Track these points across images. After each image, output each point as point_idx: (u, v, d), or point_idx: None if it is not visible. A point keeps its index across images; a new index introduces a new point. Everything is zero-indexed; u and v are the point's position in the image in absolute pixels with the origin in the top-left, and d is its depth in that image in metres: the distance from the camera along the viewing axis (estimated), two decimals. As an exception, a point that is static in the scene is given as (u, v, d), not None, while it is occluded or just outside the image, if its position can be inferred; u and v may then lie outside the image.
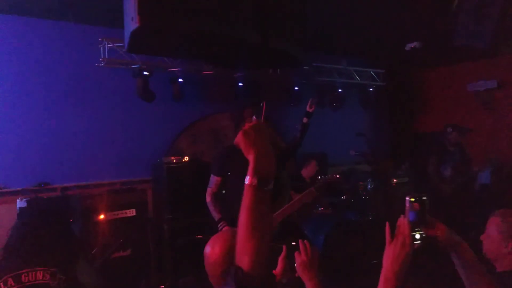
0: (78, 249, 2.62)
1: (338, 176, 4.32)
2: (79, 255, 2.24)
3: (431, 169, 5.59)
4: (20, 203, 3.88)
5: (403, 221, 1.40)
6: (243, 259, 1.09)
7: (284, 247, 1.69)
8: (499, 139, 6.69)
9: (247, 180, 1.12)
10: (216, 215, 3.34)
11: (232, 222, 3.27)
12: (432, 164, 5.59)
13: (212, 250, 1.60)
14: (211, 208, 3.39)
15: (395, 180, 5.83)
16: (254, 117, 3.05)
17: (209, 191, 3.46)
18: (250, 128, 1.18)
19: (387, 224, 1.43)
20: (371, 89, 7.01)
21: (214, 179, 3.45)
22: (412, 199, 1.47)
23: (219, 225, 3.27)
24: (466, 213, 5.16)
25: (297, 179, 5.01)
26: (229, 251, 1.33)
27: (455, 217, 5.11)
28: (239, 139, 1.18)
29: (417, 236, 1.44)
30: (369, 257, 4.77)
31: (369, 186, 5.59)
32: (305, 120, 4.02)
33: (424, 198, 1.48)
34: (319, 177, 4.30)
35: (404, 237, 1.36)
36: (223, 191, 3.50)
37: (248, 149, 1.16)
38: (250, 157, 1.15)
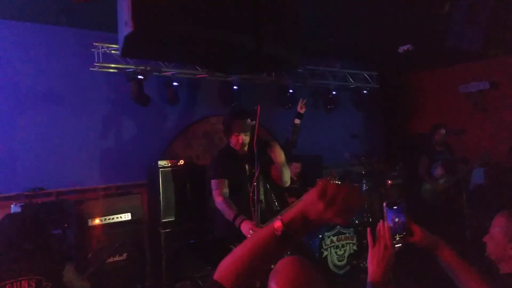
0: (64, 255, 2.60)
1: (335, 174, 4.36)
2: (65, 261, 2.22)
3: (421, 169, 5.71)
4: (15, 208, 3.86)
5: (382, 226, 1.46)
6: (226, 276, 0.99)
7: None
8: (491, 140, 6.75)
9: (275, 223, 0.98)
10: (231, 213, 3.15)
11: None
12: (422, 164, 5.72)
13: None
14: (223, 207, 3.18)
15: (389, 181, 5.86)
16: (248, 120, 3.07)
17: (217, 192, 3.27)
18: (337, 196, 0.96)
19: (368, 230, 1.47)
20: (364, 91, 7.05)
21: (218, 181, 3.29)
22: (389, 204, 1.53)
23: (236, 221, 3.10)
24: (460, 213, 5.20)
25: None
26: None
27: (449, 217, 5.16)
28: (319, 188, 0.97)
29: (397, 238, 1.50)
30: (365, 258, 4.80)
31: (363, 188, 5.61)
32: (296, 121, 4.05)
33: (400, 202, 1.54)
34: (318, 179, 4.30)
35: (385, 240, 1.43)
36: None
37: (307, 202, 0.98)
38: (298, 208, 0.99)
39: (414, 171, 5.91)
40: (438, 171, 5.65)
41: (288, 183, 3.37)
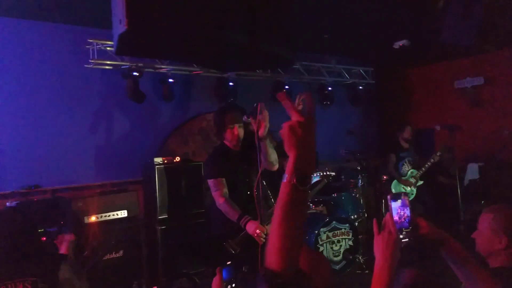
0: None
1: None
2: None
3: (390, 167, 5.79)
4: (10, 205, 3.85)
5: (388, 216, 1.46)
6: (274, 260, 1.04)
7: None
8: (486, 135, 6.79)
9: (284, 178, 1.06)
10: (235, 214, 3.12)
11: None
12: (390, 162, 5.78)
13: None
14: (227, 208, 3.13)
15: (385, 177, 5.89)
16: (244, 117, 3.05)
17: (218, 193, 3.21)
18: (298, 124, 1.08)
19: (374, 220, 1.48)
20: (360, 87, 7.07)
21: (217, 181, 3.23)
22: (393, 196, 1.55)
23: (241, 221, 3.07)
24: (454, 208, 5.24)
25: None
26: None
27: (443, 212, 5.20)
28: (283, 133, 1.09)
29: (404, 233, 1.49)
30: (361, 253, 4.83)
31: (359, 183, 5.64)
32: None
33: (403, 196, 1.56)
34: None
35: (389, 226, 1.42)
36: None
37: (290, 145, 1.07)
38: (292, 154, 1.07)
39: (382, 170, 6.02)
40: (406, 168, 5.78)
41: (275, 165, 3.29)
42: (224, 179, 3.22)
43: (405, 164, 5.78)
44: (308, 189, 1.07)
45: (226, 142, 3.35)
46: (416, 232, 1.52)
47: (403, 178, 5.72)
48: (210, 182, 3.25)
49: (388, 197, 1.55)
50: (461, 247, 1.53)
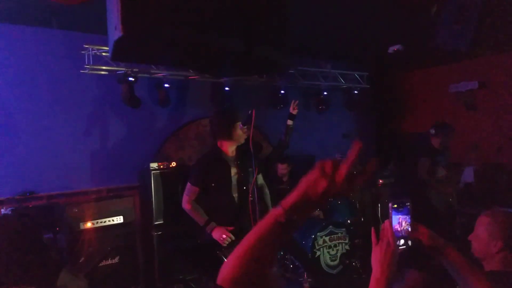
0: (58, 261, 2.54)
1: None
2: (59, 268, 2.16)
3: (424, 172, 5.09)
4: (5, 212, 3.82)
5: (387, 224, 1.45)
6: (231, 278, 0.95)
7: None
8: (481, 139, 6.82)
9: (278, 207, 0.97)
10: (201, 220, 3.28)
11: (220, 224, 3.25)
12: (424, 166, 5.11)
13: None
14: (193, 214, 3.32)
15: (381, 181, 5.90)
16: (240, 125, 3.05)
17: (186, 198, 3.34)
18: (331, 174, 0.96)
19: (372, 228, 1.47)
20: (355, 92, 7.10)
21: (192, 188, 3.35)
22: (395, 205, 1.51)
23: (207, 228, 3.23)
24: (450, 211, 5.24)
25: (277, 182, 5.06)
26: None
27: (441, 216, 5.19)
28: (317, 171, 0.97)
29: (401, 241, 1.48)
30: (358, 257, 4.83)
31: (355, 188, 5.65)
32: (289, 122, 4.06)
33: (407, 204, 1.52)
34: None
35: (388, 237, 1.41)
36: (205, 202, 3.42)
37: (304, 186, 0.97)
38: (297, 193, 0.97)
39: (407, 171, 5.78)
40: (442, 172, 5.15)
41: None
42: (198, 189, 3.33)
43: (440, 168, 5.14)
44: (289, 233, 1.00)
45: (225, 145, 3.34)
46: (415, 237, 1.52)
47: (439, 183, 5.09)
48: (188, 185, 3.38)
49: (390, 204, 1.50)
50: (460, 255, 1.54)
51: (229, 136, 3.31)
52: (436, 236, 1.54)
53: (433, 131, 5.18)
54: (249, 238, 0.98)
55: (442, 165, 5.16)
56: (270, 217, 0.97)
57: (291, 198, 0.97)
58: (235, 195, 3.33)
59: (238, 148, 3.38)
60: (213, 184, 3.31)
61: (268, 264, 1.00)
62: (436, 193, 5.13)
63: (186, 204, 3.35)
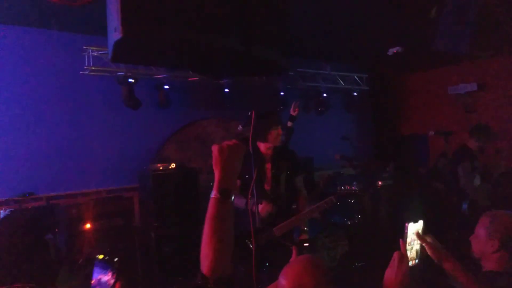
0: (58, 261, 2.55)
1: (354, 188, 4.40)
2: (58, 267, 2.17)
3: (464, 180, 4.32)
4: (4, 214, 3.82)
5: (402, 251, 1.55)
6: (204, 264, 1.17)
7: (294, 248, 1.69)
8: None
9: (212, 194, 1.22)
10: (242, 201, 3.21)
11: None
12: (464, 173, 4.33)
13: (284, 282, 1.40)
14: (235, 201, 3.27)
15: (380, 183, 5.89)
16: (240, 127, 3.06)
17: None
18: (226, 147, 1.25)
19: (396, 253, 1.54)
20: (355, 93, 7.11)
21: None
22: (412, 226, 1.62)
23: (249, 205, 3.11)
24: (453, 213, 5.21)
25: None
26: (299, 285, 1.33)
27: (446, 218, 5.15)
28: (214, 152, 1.25)
29: (413, 253, 1.59)
30: (357, 259, 4.83)
31: (354, 189, 5.65)
32: (289, 124, 4.06)
33: (421, 222, 1.64)
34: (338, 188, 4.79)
35: (400, 257, 1.50)
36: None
37: (216, 165, 1.24)
38: (216, 172, 1.23)
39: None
40: (478, 180, 4.44)
41: None
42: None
43: (476, 176, 4.40)
44: (230, 203, 1.22)
45: (270, 142, 3.29)
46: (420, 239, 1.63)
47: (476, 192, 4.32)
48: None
49: (406, 224, 1.60)
50: (461, 267, 1.61)
51: (263, 140, 3.34)
52: (436, 246, 1.62)
53: (473, 132, 4.51)
54: (206, 226, 1.19)
55: (478, 172, 4.44)
56: (211, 202, 1.21)
57: (215, 178, 1.23)
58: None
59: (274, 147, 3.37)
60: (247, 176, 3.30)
61: (230, 242, 1.22)
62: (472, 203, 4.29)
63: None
